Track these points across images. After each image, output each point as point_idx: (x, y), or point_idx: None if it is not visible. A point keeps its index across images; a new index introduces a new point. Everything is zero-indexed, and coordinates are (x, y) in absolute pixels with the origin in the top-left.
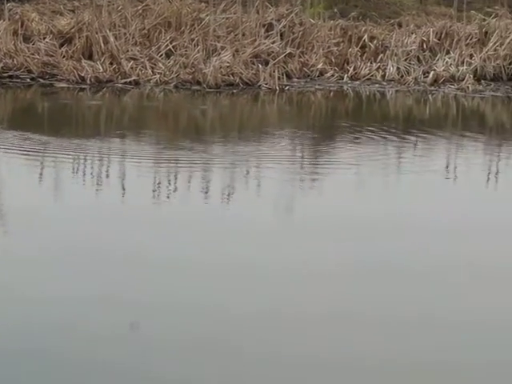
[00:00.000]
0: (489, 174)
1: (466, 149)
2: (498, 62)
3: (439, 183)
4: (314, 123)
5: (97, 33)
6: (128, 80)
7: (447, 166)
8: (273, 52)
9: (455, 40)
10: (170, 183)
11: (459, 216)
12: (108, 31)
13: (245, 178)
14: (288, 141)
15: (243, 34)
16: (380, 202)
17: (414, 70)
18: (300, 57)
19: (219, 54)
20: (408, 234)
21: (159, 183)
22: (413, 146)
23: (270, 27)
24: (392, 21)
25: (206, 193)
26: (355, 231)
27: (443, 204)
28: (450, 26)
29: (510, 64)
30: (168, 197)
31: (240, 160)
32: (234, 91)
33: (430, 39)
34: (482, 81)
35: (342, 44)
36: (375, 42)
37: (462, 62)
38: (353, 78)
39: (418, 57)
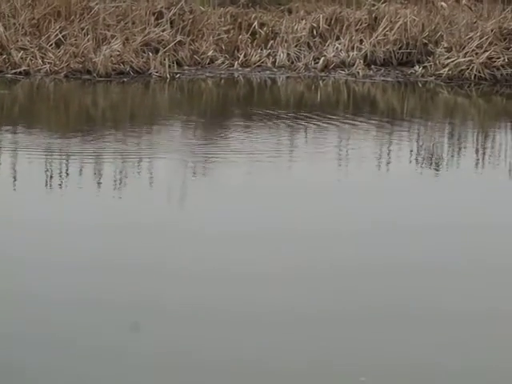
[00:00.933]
0: (379, 157)
1: (357, 133)
2: (387, 47)
3: (331, 167)
4: (205, 111)
5: None
6: (18, 70)
7: (339, 150)
8: (163, 40)
9: (345, 26)
10: (60, 174)
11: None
12: None
13: (136, 169)
14: (180, 129)
15: (133, 23)
16: (274, 190)
17: (305, 56)
18: (190, 44)
19: (109, 42)
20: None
21: (50, 175)
22: (304, 131)
23: (159, 15)
24: (282, 7)
25: (98, 183)
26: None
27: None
28: (340, 12)
29: (399, 49)
30: (60, 187)
31: (131, 150)
32: (125, 80)
33: (320, 25)
34: (373, 66)
35: (232, 31)
36: (265, 28)
37: (352, 48)
38: (243, 65)
39: (309, 43)
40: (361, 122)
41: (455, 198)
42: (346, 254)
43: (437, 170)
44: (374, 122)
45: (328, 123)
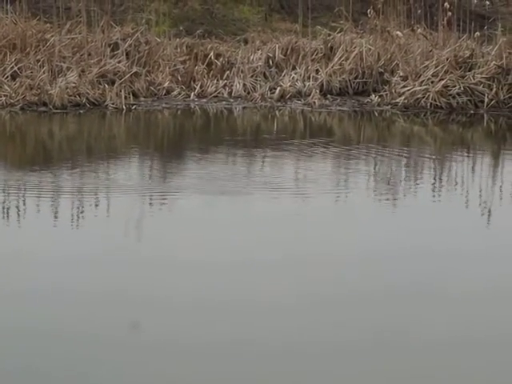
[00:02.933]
0: (337, 186)
1: (315, 161)
2: (343, 76)
3: (286, 201)
4: (162, 143)
5: None
6: None
7: (297, 180)
8: (119, 71)
9: (301, 55)
10: (18, 209)
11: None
12: None
13: (93, 203)
14: (136, 163)
15: (89, 54)
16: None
17: (261, 87)
18: (146, 76)
19: (65, 74)
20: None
21: (7, 209)
22: (261, 162)
23: (115, 47)
24: (238, 37)
25: (55, 218)
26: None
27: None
28: (296, 42)
29: (355, 78)
30: (18, 223)
31: (88, 184)
32: (81, 111)
33: (276, 55)
34: (329, 95)
35: (188, 62)
36: (221, 59)
37: (308, 78)
38: (200, 96)
39: (265, 73)
40: (318, 151)
41: (413, 225)
42: (307, 284)
43: (394, 199)
44: (330, 151)
45: (284, 153)
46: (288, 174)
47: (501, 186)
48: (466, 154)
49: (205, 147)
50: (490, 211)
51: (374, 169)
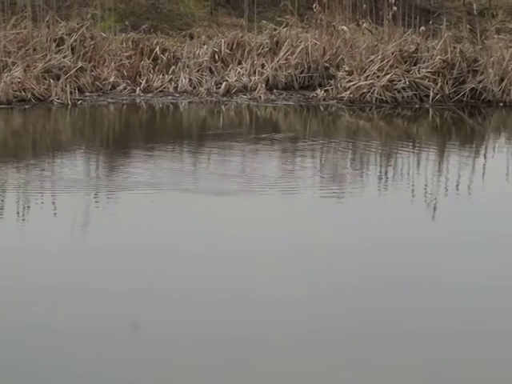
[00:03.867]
0: (282, 180)
1: (260, 156)
2: (289, 71)
3: (235, 196)
4: (107, 138)
5: None
6: None
7: (243, 176)
8: (64, 66)
9: (247, 50)
10: None
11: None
12: None
13: (38, 199)
14: (81, 158)
15: (34, 49)
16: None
17: (207, 81)
18: (92, 71)
19: (10, 69)
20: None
21: None
22: (207, 157)
23: (61, 42)
24: (184, 32)
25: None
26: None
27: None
28: (242, 37)
29: (301, 73)
30: None
31: (33, 179)
32: (27, 107)
33: (222, 50)
34: (274, 90)
35: (133, 57)
36: (167, 54)
37: (254, 72)
38: (145, 91)
39: (210, 68)
40: (264, 145)
41: (359, 219)
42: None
43: (340, 192)
44: (276, 145)
45: (230, 148)
46: (234, 169)
47: (446, 180)
48: (411, 148)
49: (150, 143)
50: (435, 204)
51: (320, 164)
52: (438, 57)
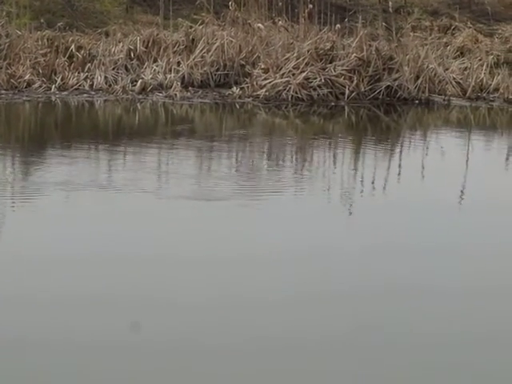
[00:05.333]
0: (198, 178)
1: (177, 156)
2: (205, 68)
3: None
4: (22, 136)
5: None
6: None
7: (159, 174)
8: None
9: (162, 48)
10: None
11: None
12: None
13: None
14: None
15: None
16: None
17: (122, 79)
18: (7, 68)
19: None
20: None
21: None
22: (122, 157)
23: None
24: (99, 30)
25: None
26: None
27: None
28: (157, 34)
29: (217, 71)
30: None
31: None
32: None
33: (138, 48)
34: (190, 88)
35: (49, 54)
36: (83, 51)
37: (170, 70)
38: (61, 89)
39: (126, 65)
40: (179, 143)
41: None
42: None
43: (257, 191)
44: (192, 143)
45: (146, 147)
46: (149, 169)
47: (362, 177)
48: (327, 145)
49: (65, 141)
50: (351, 201)
51: (236, 161)
52: (354, 55)
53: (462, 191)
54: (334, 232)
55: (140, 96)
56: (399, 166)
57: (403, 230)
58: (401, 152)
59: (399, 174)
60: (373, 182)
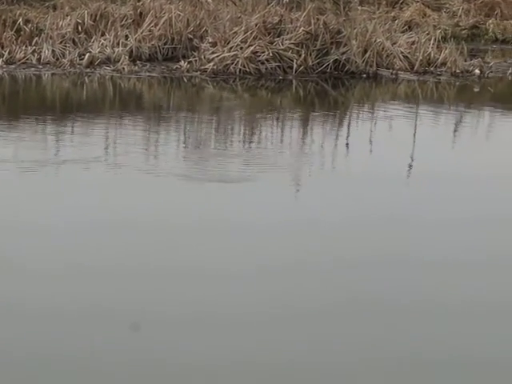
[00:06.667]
0: (147, 153)
1: (125, 131)
2: (153, 42)
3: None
4: None
5: None
6: None
7: (106, 150)
8: None
9: (110, 21)
10: None
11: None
12: None
13: None
14: None
15: None
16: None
17: (70, 53)
18: None
19: None
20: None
21: None
22: (70, 132)
23: None
24: (47, 4)
25: None
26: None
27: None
28: (105, 8)
29: (165, 44)
30: None
31: None
32: None
33: (85, 21)
34: (138, 62)
35: None
36: (30, 25)
37: (118, 44)
38: (8, 62)
39: (74, 39)
40: (128, 118)
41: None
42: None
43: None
44: (140, 117)
45: (94, 122)
46: (97, 140)
47: (310, 150)
48: (275, 118)
49: (12, 115)
50: (299, 175)
51: (184, 136)
52: (302, 28)
53: (409, 164)
54: (282, 206)
55: (88, 70)
56: (347, 139)
57: (352, 202)
58: (348, 126)
59: (347, 147)
60: (321, 156)
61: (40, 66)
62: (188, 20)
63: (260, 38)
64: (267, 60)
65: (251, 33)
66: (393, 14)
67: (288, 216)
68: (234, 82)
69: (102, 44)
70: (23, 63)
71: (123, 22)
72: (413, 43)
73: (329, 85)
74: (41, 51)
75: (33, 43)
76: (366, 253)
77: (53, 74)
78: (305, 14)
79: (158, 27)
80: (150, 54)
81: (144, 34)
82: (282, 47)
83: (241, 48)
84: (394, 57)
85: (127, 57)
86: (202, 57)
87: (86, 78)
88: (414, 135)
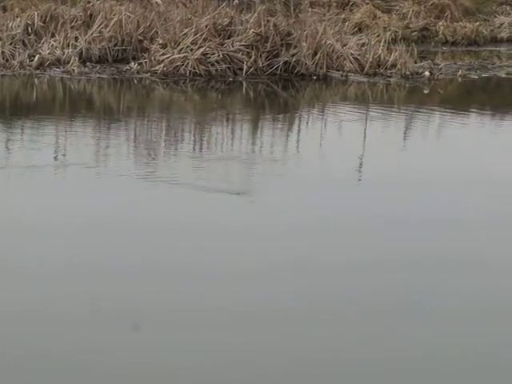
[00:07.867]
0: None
1: (75, 132)
2: (103, 44)
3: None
4: None
5: None
6: None
7: (56, 153)
8: None
9: (60, 23)
10: None
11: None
12: None
13: None
14: None
15: None
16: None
17: (20, 54)
18: None
19: None
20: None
21: None
22: (20, 134)
23: None
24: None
25: None
26: None
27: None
28: (55, 9)
29: (115, 46)
30: None
31: None
32: None
33: (35, 23)
34: (88, 63)
35: None
36: None
37: (68, 45)
38: None
39: (24, 40)
40: (78, 120)
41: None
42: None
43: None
44: (90, 120)
45: (44, 124)
46: (48, 143)
47: (260, 151)
48: (225, 120)
49: None
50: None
51: (135, 137)
52: (252, 30)
53: (358, 166)
54: (234, 210)
55: (37, 71)
56: (296, 141)
57: (303, 206)
58: (298, 127)
59: (297, 149)
60: (271, 158)
61: None
62: (138, 21)
63: (210, 40)
64: (217, 62)
65: (201, 34)
66: (343, 16)
67: (240, 221)
68: (184, 83)
69: (52, 45)
70: None
71: (73, 24)
72: (363, 45)
73: (279, 86)
74: None
75: None
76: (315, 255)
77: (2, 76)
78: (255, 15)
79: (108, 29)
80: (100, 56)
81: (94, 35)
82: (232, 49)
83: (191, 49)
84: (344, 59)
85: (77, 58)
86: (152, 58)
87: (35, 80)
88: (364, 137)
